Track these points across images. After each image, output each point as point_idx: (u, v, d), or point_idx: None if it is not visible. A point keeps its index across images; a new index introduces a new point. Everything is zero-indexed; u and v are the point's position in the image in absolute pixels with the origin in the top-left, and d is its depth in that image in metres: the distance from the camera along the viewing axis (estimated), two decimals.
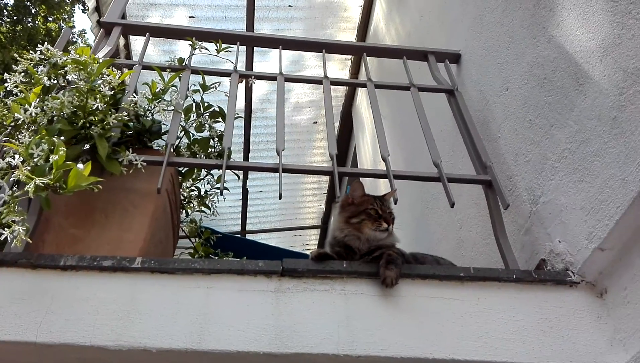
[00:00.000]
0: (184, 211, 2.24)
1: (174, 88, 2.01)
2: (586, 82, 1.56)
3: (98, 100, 1.69)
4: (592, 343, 1.41)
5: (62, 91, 1.78)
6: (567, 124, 1.63)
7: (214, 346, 1.32)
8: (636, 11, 1.38)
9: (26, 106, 1.67)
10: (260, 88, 4.77)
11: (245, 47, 3.86)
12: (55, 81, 1.80)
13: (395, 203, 1.71)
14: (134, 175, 1.67)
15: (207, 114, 2.14)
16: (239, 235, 5.69)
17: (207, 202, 2.25)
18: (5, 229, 1.40)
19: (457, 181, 1.98)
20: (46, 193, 1.45)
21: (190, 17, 4.49)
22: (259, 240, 5.82)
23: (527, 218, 1.80)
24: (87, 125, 1.68)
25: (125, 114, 1.76)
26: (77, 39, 12.06)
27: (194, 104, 2.14)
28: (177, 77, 2.03)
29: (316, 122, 5.51)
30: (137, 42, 4.11)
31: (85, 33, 12.66)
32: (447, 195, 1.77)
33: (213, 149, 2.11)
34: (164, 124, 1.94)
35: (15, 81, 1.77)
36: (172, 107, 1.91)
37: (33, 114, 1.65)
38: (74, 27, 11.78)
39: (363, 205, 1.64)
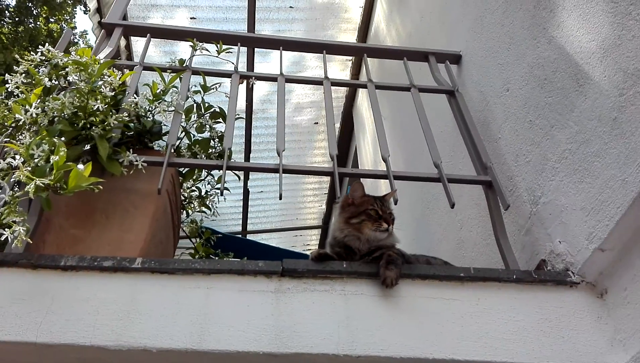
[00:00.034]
0: (184, 211, 2.24)
1: (174, 89, 2.01)
2: (586, 83, 1.56)
3: (99, 101, 1.69)
4: (592, 343, 1.41)
5: (63, 92, 1.79)
6: (567, 124, 1.63)
7: (214, 346, 1.32)
8: (636, 12, 1.38)
9: (27, 106, 1.67)
10: (262, 89, 4.78)
11: (246, 48, 3.86)
12: (56, 82, 1.80)
13: (395, 204, 1.72)
14: (135, 176, 1.68)
15: (208, 114, 2.14)
16: (240, 235, 5.69)
17: (207, 202, 2.25)
18: (6, 229, 1.40)
19: (458, 182, 1.98)
20: (47, 193, 1.45)
21: (191, 18, 4.50)
22: (259, 240, 5.82)
23: (528, 219, 1.80)
24: (88, 126, 1.68)
25: (126, 115, 1.76)
26: (78, 40, 12.10)
27: (195, 105, 2.14)
28: (178, 78, 2.03)
29: (317, 123, 5.51)
30: (138, 43, 4.11)
31: (86, 34, 12.68)
32: (447, 196, 1.77)
33: (214, 150, 2.11)
34: (165, 125, 1.94)
35: (17, 82, 1.78)
36: (173, 108, 1.91)
37: (34, 115, 1.65)
38: (75, 28, 11.84)
39: (363, 206, 1.64)
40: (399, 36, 3.73)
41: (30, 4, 10.71)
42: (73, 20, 11.79)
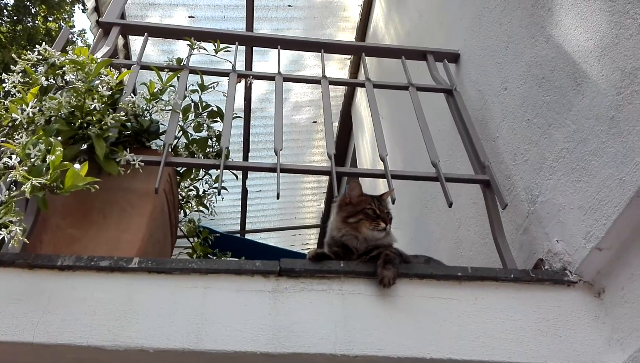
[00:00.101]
0: (182, 211, 2.24)
1: (172, 88, 2.01)
2: (584, 81, 1.56)
3: (96, 100, 1.69)
4: (590, 342, 1.41)
5: (59, 91, 1.78)
6: (565, 123, 1.63)
7: (211, 346, 1.32)
8: (634, 11, 1.38)
9: (24, 106, 1.67)
10: (260, 88, 4.77)
11: (244, 47, 3.86)
12: (53, 81, 1.79)
13: (393, 203, 1.71)
14: (132, 175, 1.67)
15: (206, 114, 2.14)
16: (238, 235, 5.69)
17: (205, 202, 2.25)
18: (3, 229, 1.39)
19: (456, 181, 1.98)
20: (43, 193, 1.45)
21: (189, 17, 4.49)
22: (258, 239, 5.82)
23: (525, 218, 1.80)
24: (85, 125, 1.68)
25: (123, 114, 1.76)
26: (76, 39, 12.06)
27: (192, 104, 2.14)
28: (176, 77, 2.03)
29: (315, 122, 5.51)
30: (136, 42, 4.10)
31: (85, 33, 12.67)
32: (445, 195, 1.77)
33: (211, 149, 2.11)
34: (162, 124, 1.94)
35: (14, 81, 1.77)
36: (170, 107, 1.91)
37: (30, 115, 1.65)
38: (73, 27, 11.80)
39: (360, 205, 1.64)
40: (398, 35, 3.72)
41: (28, 3, 10.69)
42: (71, 19, 11.75)
